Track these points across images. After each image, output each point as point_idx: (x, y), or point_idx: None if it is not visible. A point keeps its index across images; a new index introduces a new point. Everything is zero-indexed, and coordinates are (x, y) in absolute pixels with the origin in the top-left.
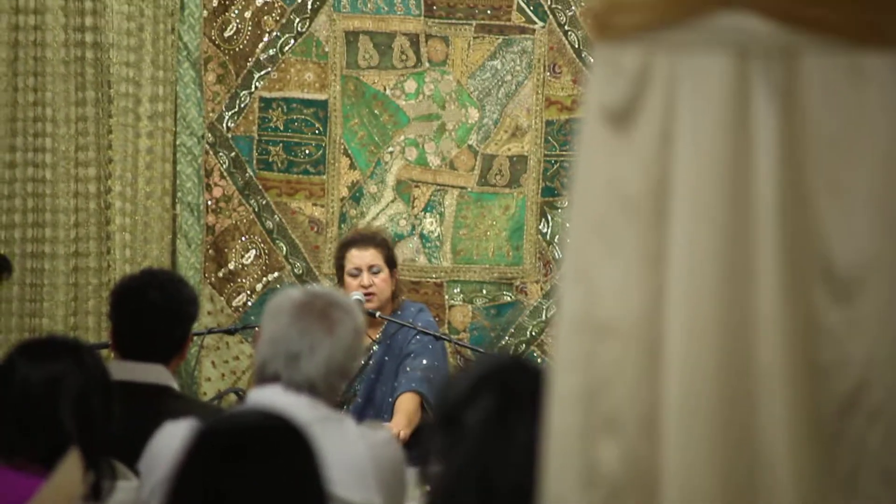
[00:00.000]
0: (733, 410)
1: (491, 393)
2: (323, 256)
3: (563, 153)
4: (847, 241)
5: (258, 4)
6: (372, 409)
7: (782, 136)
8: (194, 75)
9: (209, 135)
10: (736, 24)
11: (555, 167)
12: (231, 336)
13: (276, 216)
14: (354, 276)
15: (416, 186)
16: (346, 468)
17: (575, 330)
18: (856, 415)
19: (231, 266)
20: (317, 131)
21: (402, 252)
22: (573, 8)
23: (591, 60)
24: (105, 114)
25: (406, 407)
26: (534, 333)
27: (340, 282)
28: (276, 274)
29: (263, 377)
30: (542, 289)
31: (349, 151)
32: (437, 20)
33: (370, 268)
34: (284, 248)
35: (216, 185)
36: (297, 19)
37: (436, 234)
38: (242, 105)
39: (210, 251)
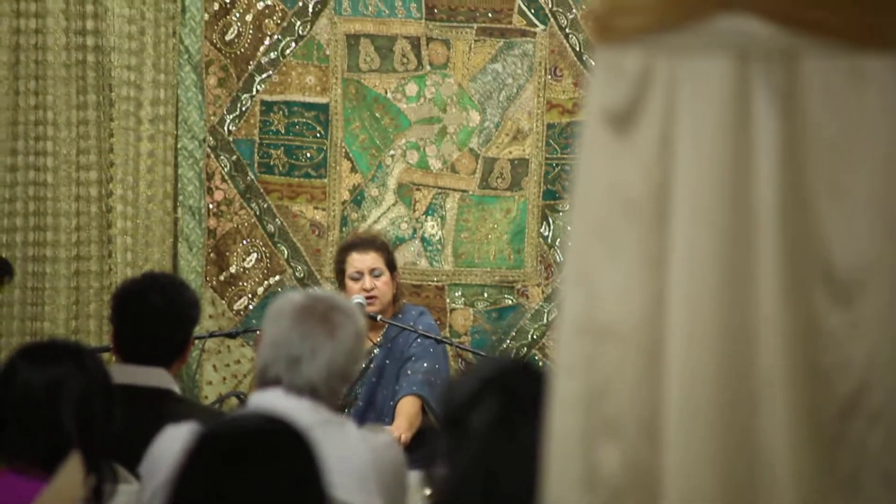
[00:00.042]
0: (734, 413)
1: (496, 396)
2: (324, 260)
3: (565, 156)
4: (847, 244)
5: (259, 8)
6: (373, 412)
7: (783, 139)
8: (195, 79)
9: (210, 138)
10: (736, 26)
11: (556, 170)
12: (232, 340)
13: (277, 220)
14: (356, 279)
15: (418, 190)
16: (348, 472)
17: (576, 333)
18: (856, 417)
19: (232, 269)
20: (318, 135)
21: (404, 255)
22: (574, 11)
23: (593, 63)
24: (106, 117)
25: (407, 410)
26: (535, 337)
27: (341, 286)
28: (277, 277)
29: (265, 381)
30: (543, 292)
31: (350, 155)
32: (438, 23)
33: (371, 271)
34: (286, 252)
35: (217, 188)
36: (299, 22)
37: (437, 238)
38: (244, 108)
39: (211, 255)
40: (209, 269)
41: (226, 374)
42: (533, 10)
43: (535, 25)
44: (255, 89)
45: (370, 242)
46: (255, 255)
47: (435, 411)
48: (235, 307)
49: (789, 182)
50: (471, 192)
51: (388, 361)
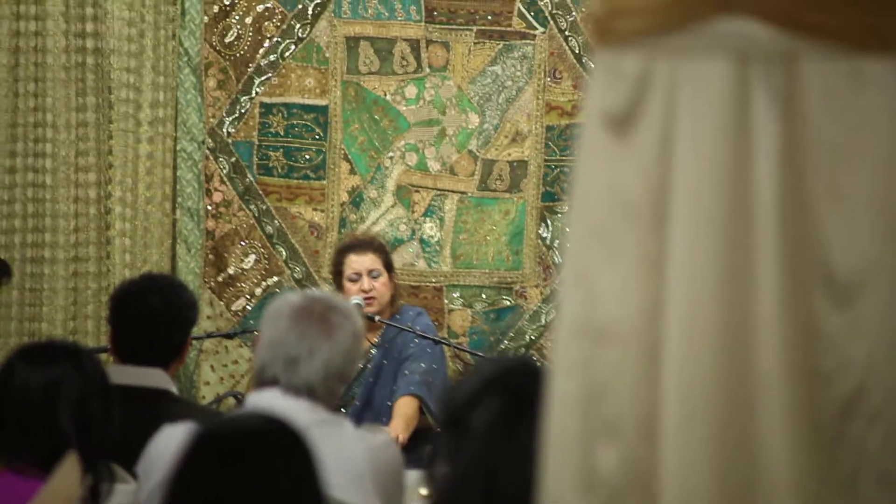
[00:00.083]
0: (732, 414)
1: (497, 395)
2: (322, 261)
3: (564, 158)
4: (847, 246)
5: (259, 10)
6: (370, 412)
7: (782, 142)
8: (195, 81)
9: (209, 140)
10: (736, 29)
11: (555, 172)
12: (230, 340)
13: (275, 221)
14: (354, 280)
15: (417, 191)
16: (345, 471)
17: (574, 334)
18: (855, 418)
19: (231, 271)
20: (317, 136)
21: (402, 257)
22: (574, 14)
23: (592, 66)
24: (105, 119)
25: (404, 410)
26: (533, 338)
27: (339, 287)
28: (275, 278)
29: (262, 381)
30: (541, 293)
31: (349, 156)
32: (437, 26)
33: (370, 272)
34: (284, 253)
35: (216, 190)
36: (298, 25)
37: (436, 239)
38: (243, 110)
39: (210, 256)
40: (207, 270)
41: (223, 374)
42: (532, 13)
43: (535, 28)
44: (254, 91)
45: (368, 244)
46: (253, 256)
47: (432, 411)
48: (233, 308)
49: (789, 184)
50: (469, 194)
51: (385, 362)
